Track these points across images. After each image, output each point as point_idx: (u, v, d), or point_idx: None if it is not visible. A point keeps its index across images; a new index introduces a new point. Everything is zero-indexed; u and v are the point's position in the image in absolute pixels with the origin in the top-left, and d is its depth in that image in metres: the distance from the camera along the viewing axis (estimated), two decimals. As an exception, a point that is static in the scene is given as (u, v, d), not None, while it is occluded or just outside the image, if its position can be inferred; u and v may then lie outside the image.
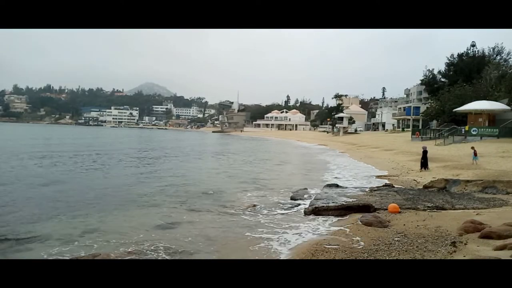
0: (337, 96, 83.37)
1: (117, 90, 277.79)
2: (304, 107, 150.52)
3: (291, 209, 10.66)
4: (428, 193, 11.95)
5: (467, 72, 50.07)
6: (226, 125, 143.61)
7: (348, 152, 36.07)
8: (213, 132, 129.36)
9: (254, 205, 11.03)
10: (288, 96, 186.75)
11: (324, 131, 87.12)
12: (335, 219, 9.18)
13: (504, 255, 4.92)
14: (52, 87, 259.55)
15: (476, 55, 53.94)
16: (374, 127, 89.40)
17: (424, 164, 18.79)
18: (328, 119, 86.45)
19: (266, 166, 24.16)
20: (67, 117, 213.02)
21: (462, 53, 55.11)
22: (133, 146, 43.59)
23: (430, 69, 59.84)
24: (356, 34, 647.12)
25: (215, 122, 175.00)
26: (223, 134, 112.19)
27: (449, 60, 55.85)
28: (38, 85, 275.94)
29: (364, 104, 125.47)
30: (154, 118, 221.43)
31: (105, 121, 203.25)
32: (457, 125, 37.19)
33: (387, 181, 15.51)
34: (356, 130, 78.79)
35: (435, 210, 9.41)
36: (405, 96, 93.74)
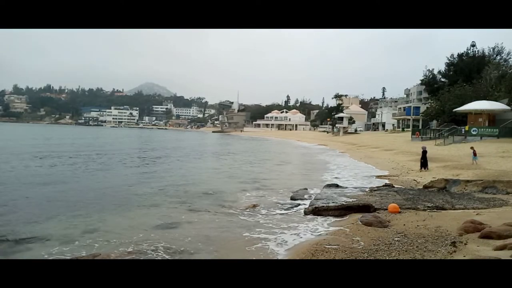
0: (337, 96, 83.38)
1: (117, 90, 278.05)
2: (304, 107, 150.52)
3: (291, 209, 10.65)
4: (428, 193, 11.95)
5: (467, 72, 50.07)
6: (226, 125, 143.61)
7: (348, 152, 36.07)
8: (213, 132, 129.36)
9: (254, 205, 11.02)
10: (288, 96, 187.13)
11: (324, 131, 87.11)
12: (335, 219, 9.18)
13: (504, 255, 4.92)
14: (52, 87, 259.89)
15: (476, 55, 53.94)
16: (374, 127, 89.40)
17: (423, 164, 18.79)
18: (328, 119, 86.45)
19: (266, 166, 24.16)
20: (67, 117, 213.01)
21: (462, 53, 55.15)
22: (133, 146, 43.60)
23: (430, 69, 59.97)
24: (356, 34, 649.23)
25: (215, 122, 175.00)
26: (223, 134, 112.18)
27: (449, 60, 55.89)
28: (38, 85, 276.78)
29: (364, 104, 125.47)
30: (154, 118, 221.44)
31: (105, 121, 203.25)
32: (457, 125, 37.19)
33: (387, 181, 15.50)
34: (356, 130, 78.79)
35: (435, 210, 9.41)
36: (405, 96, 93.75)
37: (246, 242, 7.58)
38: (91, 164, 22.17)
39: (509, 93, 34.83)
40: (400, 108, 72.72)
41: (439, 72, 58.60)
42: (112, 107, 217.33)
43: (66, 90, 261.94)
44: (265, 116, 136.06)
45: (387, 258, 5.81)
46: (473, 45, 55.09)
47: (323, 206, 9.92)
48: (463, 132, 33.54)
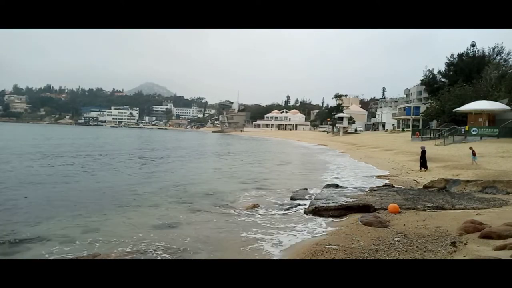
0: (337, 96, 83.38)
1: (117, 90, 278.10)
2: (304, 107, 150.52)
3: (291, 209, 10.65)
4: (428, 193, 11.95)
5: (467, 72, 50.07)
6: (226, 125, 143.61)
7: (348, 152, 36.07)
8: (213, 132, 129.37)
9: (254, 206, 11.02)
10: (288, 96, 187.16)
11: (324, 131, 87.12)
12: (335, 219, 9.18)
13: (504, 255, 4.92)
14: (52, 87, 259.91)
15: (476, 55, 53.95)
16: (374, 127, 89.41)
17: (423, 164, 18.79)
18: (328, 119, 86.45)
19: (266, 166, 24.17)
20: (67, 117, 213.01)
21: (462, 53, 55.15)
22: (133, 146, 43.58)
23: (430, 69, 59.97)
24: (356, 34, 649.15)
25: (215, 122, 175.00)
26: (223, 134, 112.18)
27: (449, 60, 55.90)
28: (38, 85, 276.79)
29: (364, 104, 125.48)
30: (154, 118, 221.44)
31: (105, 121, 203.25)
32: (457, 125, 37.19)
33: (387, 181, 15.50)
34: (356, 130, 78.80)
35: (435, 210, 9.41)
36: (405, 96, 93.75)
37: (243, 243, 7.56)
38: (91, 164, 22.17)
39: (509, 93, 34.84)
40: (400, 108, 72.73)
41: (439, 72, 58.66)
42: (112, 107, 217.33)
43: (66, 90, 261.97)
44: (265, 116, 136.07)
45: (387, 258, 5.81)
46: (473, 45, 55.15)
47: (323, 206, 9.92)
48: (463, 132, 33.54)
